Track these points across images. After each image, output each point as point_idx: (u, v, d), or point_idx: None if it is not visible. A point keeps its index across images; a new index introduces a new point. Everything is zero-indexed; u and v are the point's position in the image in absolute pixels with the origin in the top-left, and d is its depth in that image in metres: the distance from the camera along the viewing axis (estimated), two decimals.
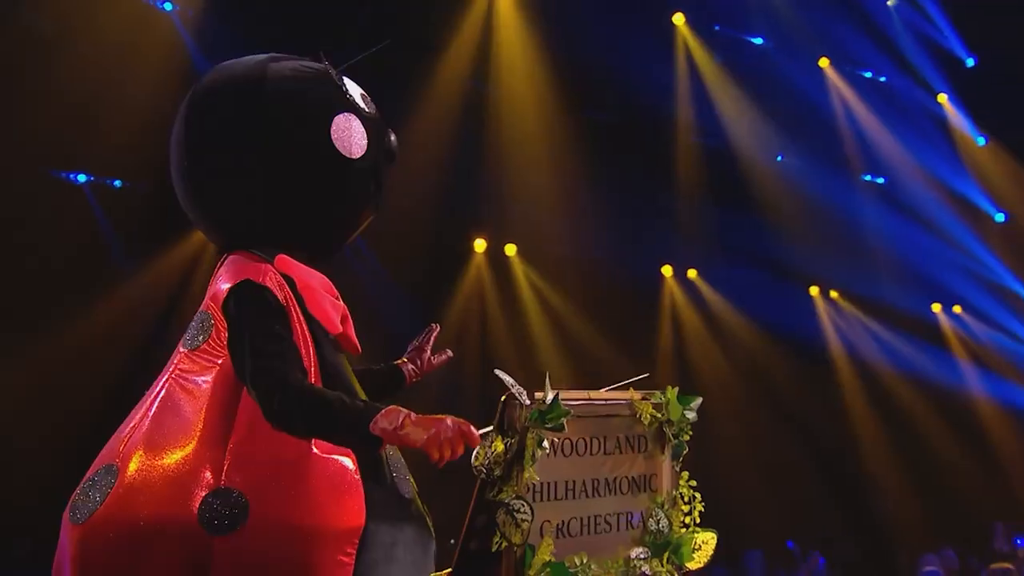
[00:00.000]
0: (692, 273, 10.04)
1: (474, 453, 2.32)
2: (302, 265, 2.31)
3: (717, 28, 10.02)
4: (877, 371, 10.58)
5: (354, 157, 2.36)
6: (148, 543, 2.07)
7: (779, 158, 10.22)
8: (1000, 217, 11.87)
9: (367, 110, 2.43)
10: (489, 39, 8.96)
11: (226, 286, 2.24)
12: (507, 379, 2.39)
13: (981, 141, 11.77)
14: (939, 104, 11.50)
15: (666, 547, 2.73)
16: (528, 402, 2.34)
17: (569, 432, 2.43)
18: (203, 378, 2.21)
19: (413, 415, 2.05)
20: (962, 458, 10.39)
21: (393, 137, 2.49)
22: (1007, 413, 11.29)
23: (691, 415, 2.79)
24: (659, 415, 2.74)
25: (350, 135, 2.36)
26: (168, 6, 6.95)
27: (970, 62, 11.66)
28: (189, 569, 2.06)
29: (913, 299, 11.20)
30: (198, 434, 2.15)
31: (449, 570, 2.39)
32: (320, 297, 2.31)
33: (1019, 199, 11.96)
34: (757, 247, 9.88)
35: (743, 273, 9.98)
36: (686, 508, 2.78)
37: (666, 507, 2.77)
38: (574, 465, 2.59)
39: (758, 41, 10.33)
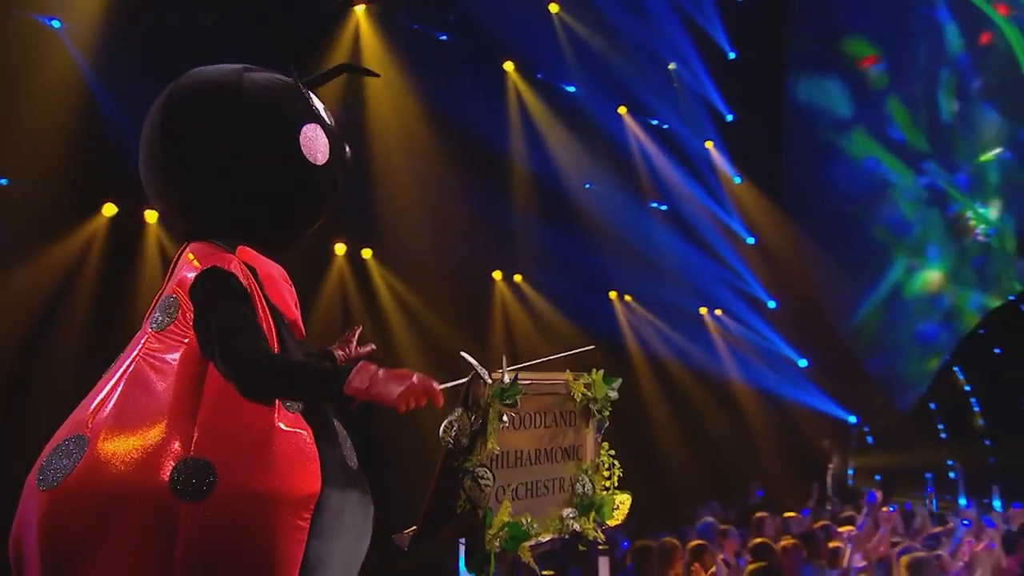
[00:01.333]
0: (518, 277, 10.43)
1: (442, 427, 2.33)
2: (262, 256, 2.29)
3: (539, 76, 10.44)
4: (662, 361, 11.21)
5: (319, 164, 2.36)
6: (118, 508, 2.01)
7: (587, 185, 10.75)
8: (751, 240, 12.89)
9: (329, 122, 2.43)
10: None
11: (193, 274, 2.20)
12: (472, 361, 2.41)
13: (737, 179, 12.77)
14: (707, 149, 12.40)
15: (591, 507, 2.76)
16: (490, 381, 2.36)
17: (519, 408, 2.45)
18: (171, 356, 2.16)
19: (382, 371, 2.03)
20: (728, 430, 11.34)
21: (348, 148, 2.49)
22: (756, 393, 12.27)
23: (613, 394, 2.85)
24: (589, 393, 2.78)
25: (316, 144, 2.35)
26: (56, 23, 6.71)
27: (729, 118, 12.71)
28: (158, 532, 2.01)
29: (688, 302, 11.88)
30: (167, 408, 2.10)
31: (414, 528, 2.38)
32: (279, 285, 2.31)
33: (766, 226, 12.90)
34: (570, 257, 10.35)
35: (558, 279, 10.39)
36: (607, 474, 2.82)
37: (590, 473, 2.80)
38: (521, 437, 2.59)
39: (571, 88, 10.79)
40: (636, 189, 11.38)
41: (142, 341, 2.18)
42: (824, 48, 13.31)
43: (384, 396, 1.98)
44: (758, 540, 5.69)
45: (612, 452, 2.81)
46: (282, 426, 2.12)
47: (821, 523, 7.02)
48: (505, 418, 2.35)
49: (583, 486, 2.74)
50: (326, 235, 9.11)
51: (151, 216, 7.09)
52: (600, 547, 4.52)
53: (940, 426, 13.55)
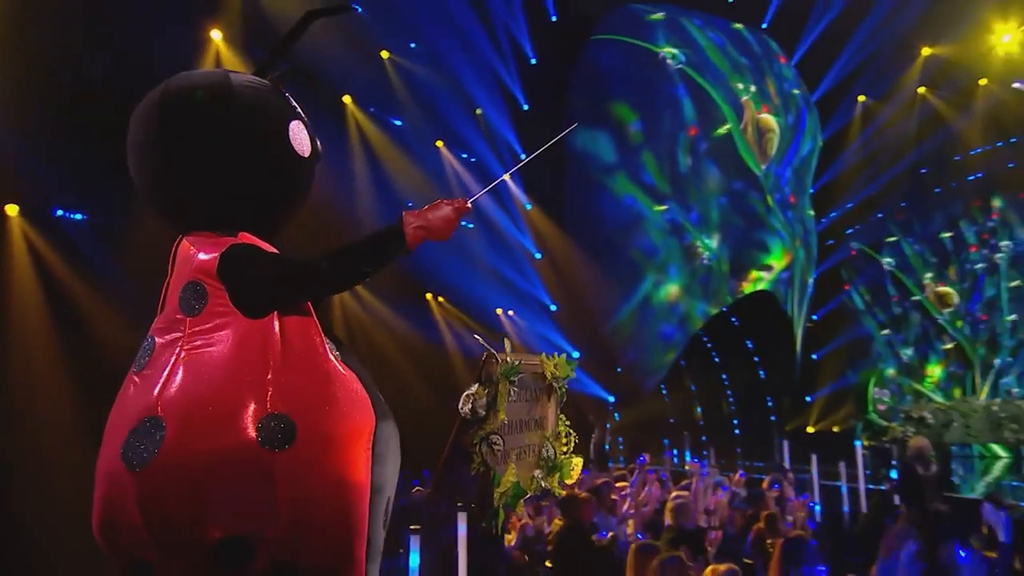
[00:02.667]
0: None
1: (461, 399, 2.33)
2: (263, 241, 2.21)
3: (372, 110, 10.79)
4: (472, 352, 10.80)
5: (305, 156, 2.29)
6: (215, 471, 1.94)
7: (409, 204, 10.24)
8: (538, 255, 13.46)
9: (305, 118, 2.34)
10: None
11: (207, 256, 2.10)
12: (485, 343, 2.40)
13: (528, 206, 13.40)
14: (505, 180, 11.85)
15: (555, 469, 2.75)
16: (501, 361, 2.33)
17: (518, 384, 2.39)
18: (221, 332, 2.06)
19: (418, 211, 2.05)
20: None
21: (318, 141, 2.39)
22: None
23: (572, 375, 2.85)
24: (556, 373, 2.77)
25: (302, 138, 2.29)
26: None
27: (522, 156, 11.81)
28: (257, 483, 1.96)
29: (490, 303, 12.21)
30: (235, 376, 2.02)
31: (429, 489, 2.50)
32: None
33: (550, 244, 13.53)
34: (396, 263, 10.55)
35: (384, 281, 9.99)
36: (565, 441, 2.80)
37: (551, 440, 2.77)
38: (513, 409, 2.56)
39: (398, 122, 11.20)
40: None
41: (181, 327, 2.07)
42: (597, 108, 13.81)
43: (440, 221, 2.05)
44: (567, 493, 5.96)
45: (568, 423, 2.82)
46: (342, 372, 2.11)
47: (603, 480, 7.35)
48: (513, 393, 2.35)
49: (547, 451, 2.73)
50: None
51: (11, 209, 6.81)
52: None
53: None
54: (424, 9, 11.25)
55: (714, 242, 14.28)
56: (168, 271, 2.19)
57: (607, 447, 14.21)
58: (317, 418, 2.02)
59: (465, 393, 2.38)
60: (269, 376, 2.00)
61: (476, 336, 2.56)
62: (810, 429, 14.84)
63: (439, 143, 11.82)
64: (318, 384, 2.06)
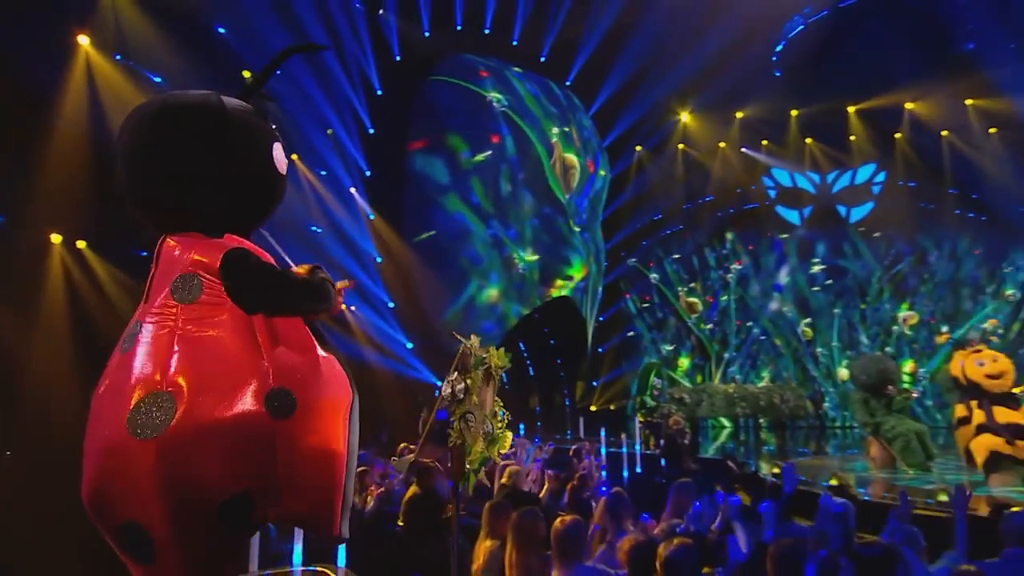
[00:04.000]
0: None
1: (443, 385, 2.38)
2: (248, 242, 2.20)
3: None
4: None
5: (283, 174, 2.30)
6: (223, 437, 1.93)
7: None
8: (379, 259, 13.52)
9: (282, 140, 2.31)
10: (95, 92, 8.32)
11: (204, 254, 2.09)
12: (460, 338, 2.44)
13: (371, 216, 13.51)
14: (352, 192, 13.00)
15: (494, 442, 2.81)
16: (474, 353, 2.34)
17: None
18: (218, 317, 2.04)
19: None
20: (367, 395, 11.29)
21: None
22: (388, 372, 12.49)
23: (508, 364, 2.89)
24: (497, 362, 2.82)
25: (280, 157, 2.28)
26: None
27: (368, 173, 13.45)
28: (259, 448, 1.97)
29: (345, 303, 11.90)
30: (237, 355, 2.01)
31: (412, 456, 2.49)
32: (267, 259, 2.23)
33: (390, 250, 13.40)
34: None
35: None
36: (499, 418, 2.85)
37: (490, 418, 2.82)
38: (475, 392, 2.62)
39: None
40: (305, 216, 11.66)
41: (174, 314, 2.03)
42: (434, 136, 14.18)
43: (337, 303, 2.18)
44: (422, 461, 5.64)
45: (501, 403, 2.88)
46: (322, 353, 2.14)
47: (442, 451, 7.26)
48: (480, 379, 2.40)
49: (487, 427, 2.79)
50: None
51: None
52: None
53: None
54: (286, 39, 11.05)
55: (528, 255, 14.86)
56: (152, 266, 2.17)
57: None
58: (311, 392, 2.06)
59: (446, 380, 2.50)
60: (265, 356, 2.02)
61: (453, 333, 2.72)
62: (593, 408, 16.04)
63: (295, 156, 11.57)
64: (309, 363, 2.10)
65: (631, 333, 17.44)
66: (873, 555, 3.06)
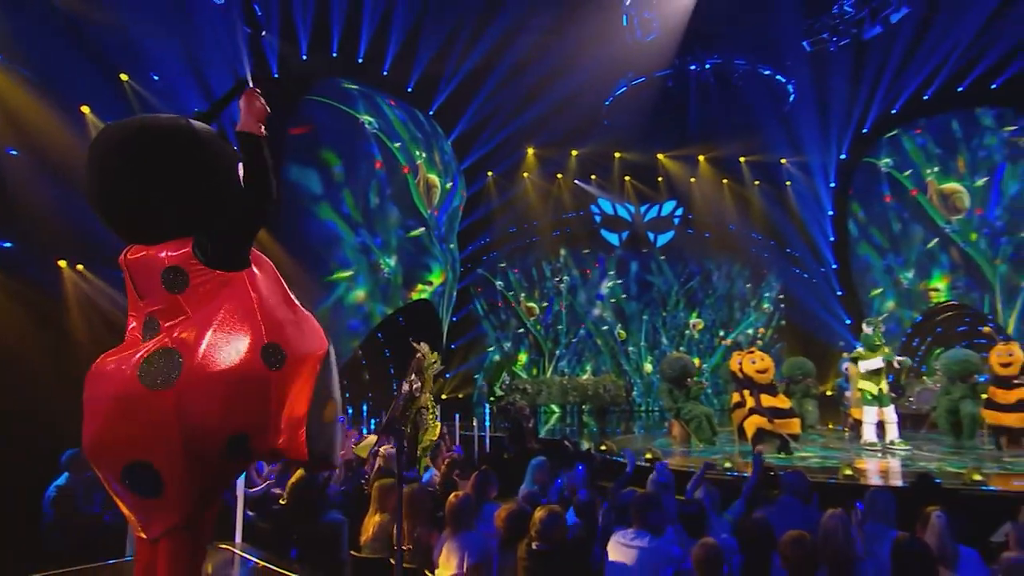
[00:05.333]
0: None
1: (404, 384, 2.34)
2: None
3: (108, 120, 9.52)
4: None
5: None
6: (233, 384, 2.00)
7: None
8: None
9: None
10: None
11: (177, 249, 2.13)
12: (415, 345, 2.41)
13: None
14: None
15: (427, 431, 2.97)
16: (426, 357, 2.31)
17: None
18: (214, 292, 2.12)
19: (243, 117, 2.14)
20: None
21: None
22: None
23: (440, 364, 2.96)
24: (432, 362, 2.85)
25: (242, 175, 2.27)
26: None
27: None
28: (258, 394, 2.07)
29: None
30: (233, 317, 2.07)
31: (375, 437, 2.46)
32: None
33: (268, 252, 11.12)
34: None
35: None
36: (432, 410, 2.94)
37: (429, 411, 2.91)
38: (427, 391, 2.64)
39: None
40: None
41: (178, 305, 2.10)
42: (309, 149, 13.55)
43: (250, 113, 2.14)
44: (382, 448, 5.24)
45: (432, 398, 2.93)
46: (303, 311, 2.26)
47: None
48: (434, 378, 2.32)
49: (424, 418, 2.94)
50: None
51: None
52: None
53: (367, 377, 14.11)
54: (167, 46, 10.74)
55: (392, 261, 14.92)
56: (125, 276, 2.21)
57: None
58: (296, 345, 2.17)
59: (405, 381, 2.53)
60: (257, 315, 2.10)
61: (410, 340, 2.76)
62: (444, 396, 16.43)
63: None
64: (293, 321, 2.21)
65: (479, 332, 18.03)
66: (691, 512, 3.62)
